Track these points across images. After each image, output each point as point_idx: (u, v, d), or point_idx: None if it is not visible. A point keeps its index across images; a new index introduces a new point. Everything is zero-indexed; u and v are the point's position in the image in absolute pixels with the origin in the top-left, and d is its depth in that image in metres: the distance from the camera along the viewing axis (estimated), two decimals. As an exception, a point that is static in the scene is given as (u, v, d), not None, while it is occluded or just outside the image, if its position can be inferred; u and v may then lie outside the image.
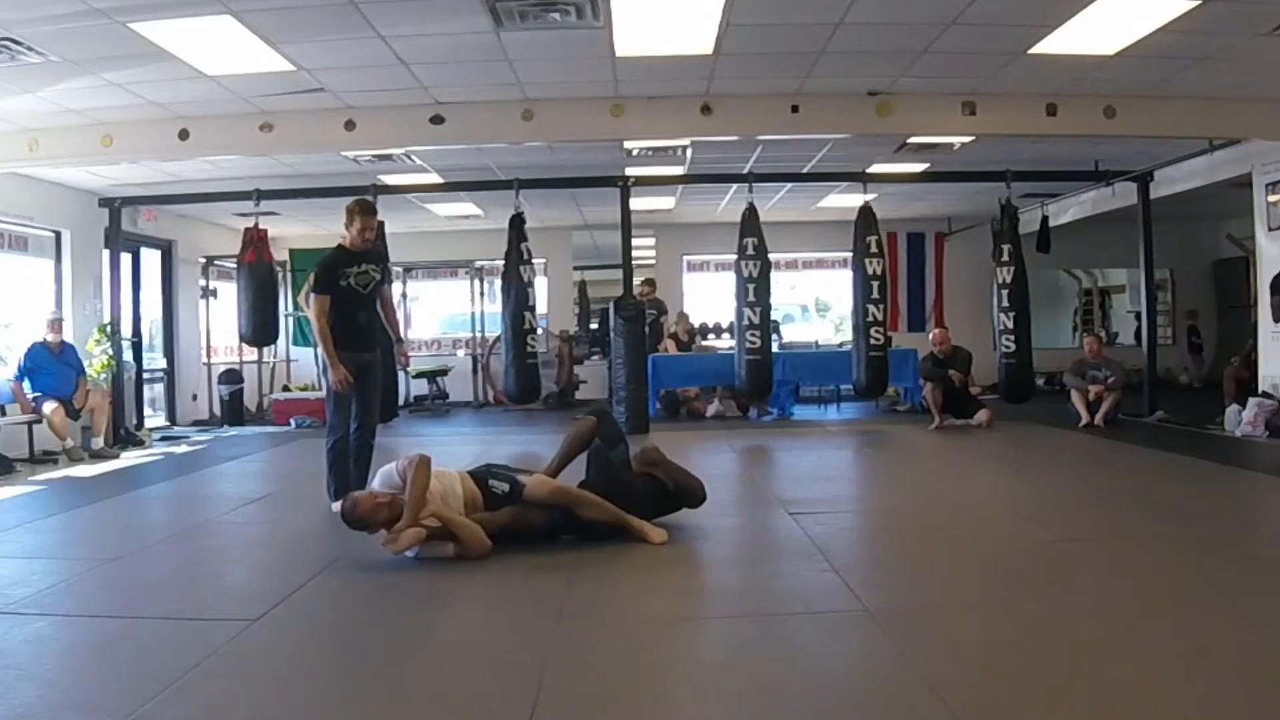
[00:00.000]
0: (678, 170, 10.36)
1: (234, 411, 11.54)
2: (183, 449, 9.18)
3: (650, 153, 9.52)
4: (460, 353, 14.22)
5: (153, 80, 6.72)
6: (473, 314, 14.04)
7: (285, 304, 11.87)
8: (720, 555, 4.41)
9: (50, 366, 8.37)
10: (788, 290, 15.22)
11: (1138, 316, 13.68)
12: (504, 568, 3.97)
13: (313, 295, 5.28)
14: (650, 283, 12.70)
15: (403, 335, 5.95)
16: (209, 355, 12.39)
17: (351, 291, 5.28)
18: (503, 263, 9.29)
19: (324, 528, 4.94)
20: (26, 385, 8.27)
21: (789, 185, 11.33)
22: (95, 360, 9.26)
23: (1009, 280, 9.14)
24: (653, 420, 9.76)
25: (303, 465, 7.19)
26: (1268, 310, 8.98)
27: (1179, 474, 6.46)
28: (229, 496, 6.31)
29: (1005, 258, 9.16)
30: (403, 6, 5.62)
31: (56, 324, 8.55)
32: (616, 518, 4.35)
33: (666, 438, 9.02)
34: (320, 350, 5.34)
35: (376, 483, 4.28)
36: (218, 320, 12.43)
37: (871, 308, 9.31)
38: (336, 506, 5.01)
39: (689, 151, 9.45)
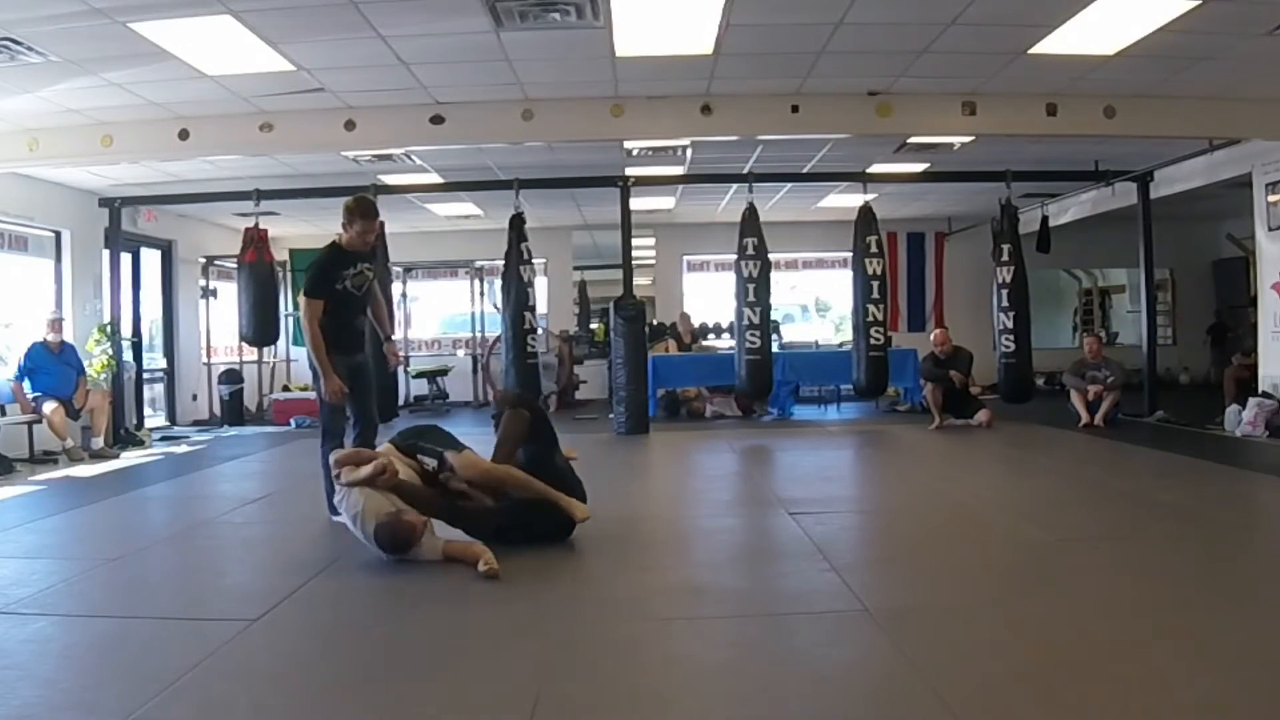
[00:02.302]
0: (678, 170, 10.36)
1: (234, 411, 11.54)
2: (183, 449, 9.18)
3: (650, 153, 9.52)
4: (460, 353, 14.22)
5: (153, 80, 6.72)
6: (473, 314, 14.05)
7: (285, 304, 11.88)
8: (720, 555, 4.42)
9: (50, 366, 8.37)
10: (788, 290, 15.22)
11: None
12: (503, 567, 3.96)
13: (304, 299, 5.00)
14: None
15: (392, 333, 5.65)
16: (209, 355, 12.39)
17: (348, 295, 5.01)
18: (503, 263, 9.29)
19: (324, 528, 4.93)
20: (26, 385, 8.27)
21: (789, 185, 11.33)
22: (95, 360, 9.26)
23: (1009, 280, 9.14)
24: (653, 420, 9.76)
25: (303, 465, 7.18)
26: (1271, 310, 8.97)
27: (1179, 474, 6.47)
28: (229, 496, 6.31)
29: (1005, 258, 9.16)
30: (403, 6, 5.62)
31: (57, 324, 8.55)
32: (546, 495, 4.27)
33: (666, 438, 9.06)
34: (312, 356, 5.02)
35: (345, 515, 4.13)
36: (218, 320, 12.43)
37: (871, 308, 9.31)
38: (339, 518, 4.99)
39: (689, 151, 9.45)
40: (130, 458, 8.43)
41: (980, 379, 10.48)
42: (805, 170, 10.25)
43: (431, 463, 4.22)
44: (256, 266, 9.20)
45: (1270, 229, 8.92)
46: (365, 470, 4.02)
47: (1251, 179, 9.07)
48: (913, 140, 8.89)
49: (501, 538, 4.12)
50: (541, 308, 12.41)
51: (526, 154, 8.98)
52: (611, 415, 9.71)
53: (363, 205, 5.04)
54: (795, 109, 7.68)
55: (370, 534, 3.98)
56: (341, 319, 5.03)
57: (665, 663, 2.94)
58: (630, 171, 9.95)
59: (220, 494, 6.58)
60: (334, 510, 4.98)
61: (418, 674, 2.84)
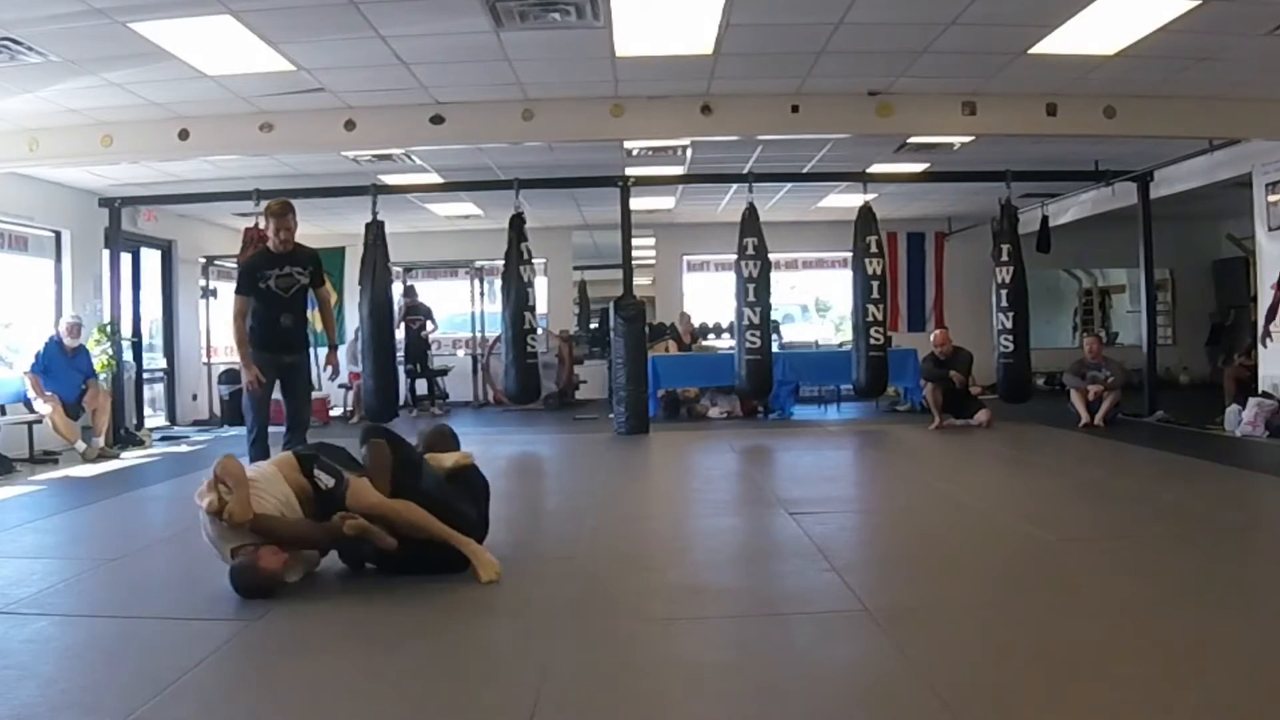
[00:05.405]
0: (678, 170, 10.36)
1: (234, 411, 11.51)
2: (183, 449, 9.19)
3: (650, 153, 9.52)
4: (460, 353, 14.23)
5: (153, 80, 6.72)
6: (473, 314, 14.05)
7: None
8: (720, 555, 4.41)
9: (59, 367, 8.41)
10: (788, 290, 15.22)
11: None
12: (502, 568, 3.96)
13: (234, 296, 5.39)
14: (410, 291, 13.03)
15: (337, 342, 5.96)
16: (209, 355, 12.39)
17: (271, 294, 5.28)
18: (503, 263, 9.29)
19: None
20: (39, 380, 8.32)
21: (789, 185, 11.33)
22: (95, 360, 9.26)
23: (1008, 280, 9.15)
24: (653, 420, 9.76)
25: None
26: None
27: (1179, 474, 6.47)
28: (229, 496, 6.30)
29: (1005, 258, 9.17)
30: (403, 6, 5.62)
31: (75, 329, 8.59)
32: (444, 535, 3.74)
33: (666, 438, 9.06)
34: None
35: (208, 534, 3.67)
36: (218, 320, 12.42)
37: (871, 308, 9.32)
38: None
39: (689, 151, 9.45)
40: (130, 458, 8.43)
41: (980, 379, 10.48)
42: (805, 170, 10.25)
43: (329, 480, 3.73)
44: (256, 266, 9.19)
45: (1270, 229, 8.93)
46: (203, 502, 3.60)
47: (1251, 179, 9.08)
48: (913, 140, 8.89)
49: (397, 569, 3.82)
50: (541, 308, 12.41)
51: (526, 154, 8.99)
52: (611, 415, 9.71)
53: (272, 204, 5.41)
54: (795, 109, 7.68)
55: (227, 557, 3.64)
56: (265, 318, 5.34)
57: (665, 663, 2.94)
58: (630, 171, 9.95)
59: (220, 494, 6.57)
60: None
61: (417, 674, 2.84)
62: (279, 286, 5.30)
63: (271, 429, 5.70)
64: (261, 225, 5.75)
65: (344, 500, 3.68)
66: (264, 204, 5.61)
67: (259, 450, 5.33)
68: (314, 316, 6.11)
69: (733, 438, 8.99)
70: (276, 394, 5.77)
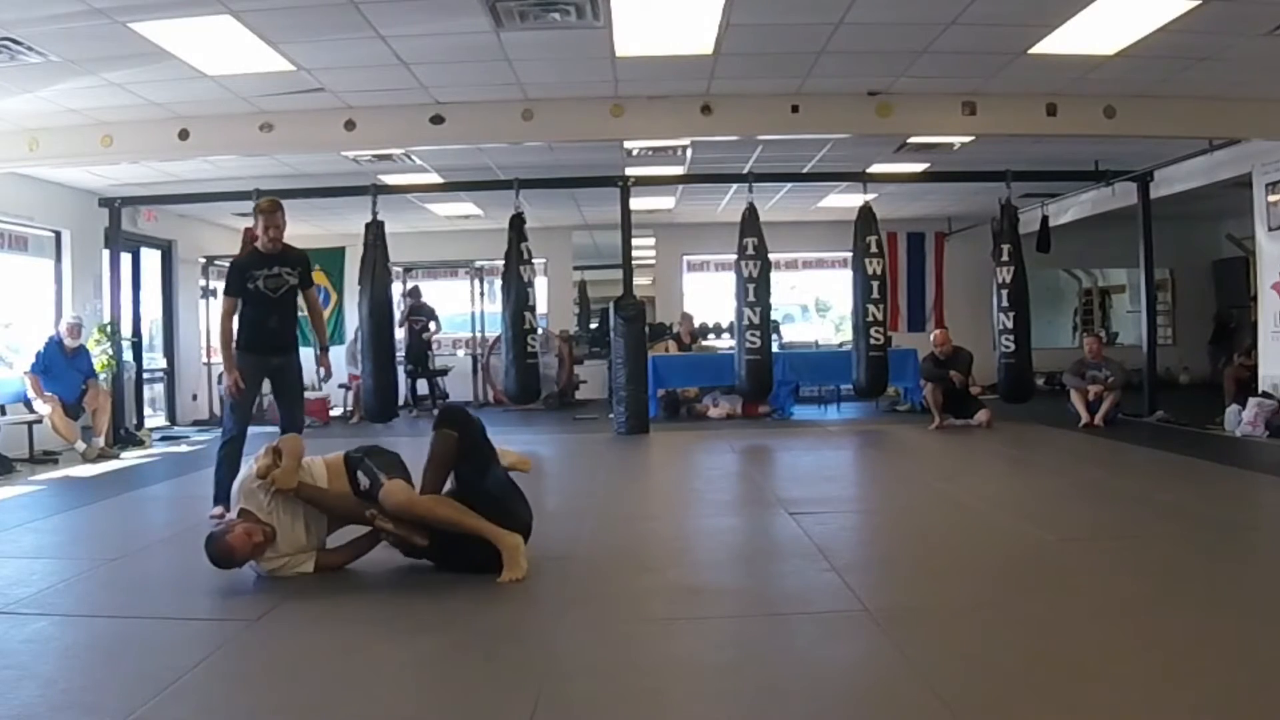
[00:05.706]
0: (678, 170, 10.36)
1: (233, 412, 11.51)
2: (183, 449, 9.18)
3: (650, 153, 9.52)
4: (460, 353, 14.23)
5: (153, 80, 6.72)
6: (473, 314, 14.05)
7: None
8: (720, 555, 4.41)
9: (59, 367, 8.42)
10: (788, 290, 15.22)
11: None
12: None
13: (223, 296, 5.37)
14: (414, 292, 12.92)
15: (327, 344, 5.86)
16: (209, 355, 12.37)
17: (260, 295, 5.23)
18: (503, 263, 9.29)
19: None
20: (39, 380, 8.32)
21: (789, 185, 11.33)
22: (95, 360, 9.27)
23: (1009, 280, 9.14)
24: (653, 420, 9.76)
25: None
26: (1271, 310, 8.96)
27: (1179, 474, 6.46)
28: (229, 496, 6.30)
29: (1005, 258, 9.16)
30: (403, 6, 5.62)
31: (75, 329, 8.59)
32: (478, 530, 3.74)
33: (666, 438, 9.06)
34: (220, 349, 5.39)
35: (235, 488, 3.92)
36: (217, 320, 12.41)
37: (871, 308, 9.31)
38: (216, 510, 5.01)
39: (689, 151, 9.45)
40: (130, 458, 8.43)
41: (980, 379, 10.49)
42: (805, 170, 10.25)
43: (365, 482, 3.87)
44: (256, 266, 9.19)
45: (1270, 229, 8.92)
46: (258, 465, 3.81)
47: (1251, 179, 9.07)
48: (913, 140, 8.89)
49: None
50: (541, 308, 12.41)
51: (526, 154, 8.98)
52: (611, 415, 9.71)
53: (261, 203, 5.38)
54: (795, 109, 7.68)
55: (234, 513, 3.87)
56: (253, 319, 5.29)
57: (665, 663, 2.94)
58: (630, 171, 9.95)
59: (220, 494, 6.57)
60: (216, 503, 5.08)
61: (418, 674, 2.84)
62: (268, 287, 5.26)
63: (271, 429, 5.69)
64: (252, 224, 5.76)
65: (379, 499, 3.78)
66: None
67: (230, 452, 5.18)
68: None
69: (733, 438, 8.99)
70: (270, 393, 5.76)
